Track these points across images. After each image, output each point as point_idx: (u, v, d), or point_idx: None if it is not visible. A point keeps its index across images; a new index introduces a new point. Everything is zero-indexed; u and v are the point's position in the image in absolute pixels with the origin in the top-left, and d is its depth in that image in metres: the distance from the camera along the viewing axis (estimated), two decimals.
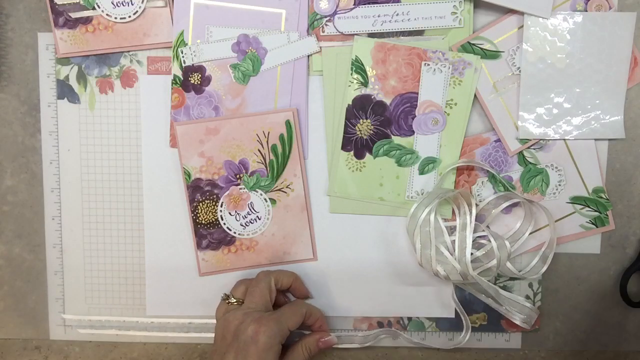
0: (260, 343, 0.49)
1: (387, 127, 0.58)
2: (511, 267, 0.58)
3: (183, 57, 0.57)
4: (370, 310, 0.61)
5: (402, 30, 0.57)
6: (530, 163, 0.59)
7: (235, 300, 0.54)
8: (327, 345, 0.57)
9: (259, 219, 0.59)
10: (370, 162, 0.59)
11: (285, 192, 0.59)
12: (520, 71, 0.57)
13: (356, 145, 0.58)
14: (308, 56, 0.58)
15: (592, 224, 0.59)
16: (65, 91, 0.59)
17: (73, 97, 0.59)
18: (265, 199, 0.59)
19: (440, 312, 0.61)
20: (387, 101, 0.58)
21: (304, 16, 0.57)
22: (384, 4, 0.57)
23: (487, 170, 0.59)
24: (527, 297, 0.61)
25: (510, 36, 0.57)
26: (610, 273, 0.61)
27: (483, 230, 0.58)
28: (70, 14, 0.57)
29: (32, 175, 0.61)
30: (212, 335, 0.61)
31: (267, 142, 0.58)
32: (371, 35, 0.57)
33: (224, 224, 0.59)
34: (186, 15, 0.57)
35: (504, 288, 0.60)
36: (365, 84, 0.57)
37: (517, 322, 0.59)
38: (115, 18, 0.57)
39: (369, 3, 0.57)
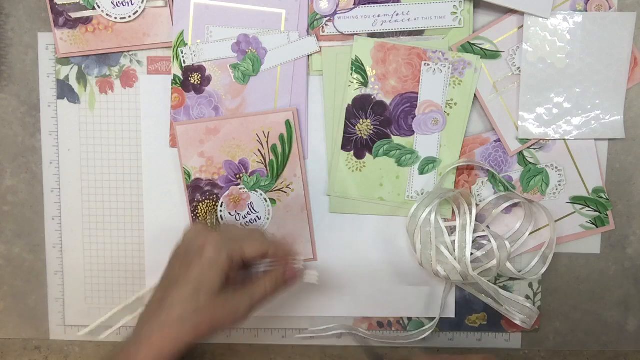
0: (205, 256, 0.45)
1: (387, 127, 0.58)
2: (511, 268, 0.58)
3: (183, 57, 0.57)
4: (370, 310, 0.61)
5: (402, 30, 0.57)
6: (530, 163, 0.59)
7: (213, 222, 0.51)
8: (292, 275, 0.50)
9: (259, 219, 0.59)
10: (370, 162, 0.59)
11: (285, 192, 0.59)
12: (520, 71, 0.57)
13: (356, 145, 0.58)
14: (308, 56, 0.58)
15: (592, 224, 0.59)
16: (65, 91, 0.59)
17: (73, 97, 0.59)
18: (265, 199, 0.59)
19: (440, 312, 0.61)
20: (387, 101, 0.58)
21: (304, 16, 0.57)
22: (384, 4, 0.57)
23: (487, 170, 0.59)
24: (527, 297, 0.61)
25: (510, 36, 0.57)
26: (610, 273, 0.61)
27: (483, 230, 0.58)
28: (70, 14, 0.57)
29: (32, 175, 0.61)
30: (212, 335, 0.62)
31: (267, 142, 0.58)
32: (371, 35, 0.57)
33: (224, 224, 0.59)
34: (186, 15, 0.57)
35: (504, 288, 0.60)
36: (365, 84, 0.57)
37: (517, 322, 0.59)
38: (115, 18, 0.57)
39: (369, 3, 0.57)
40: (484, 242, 0.58)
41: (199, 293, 0.45)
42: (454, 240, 0.57)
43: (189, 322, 0.44)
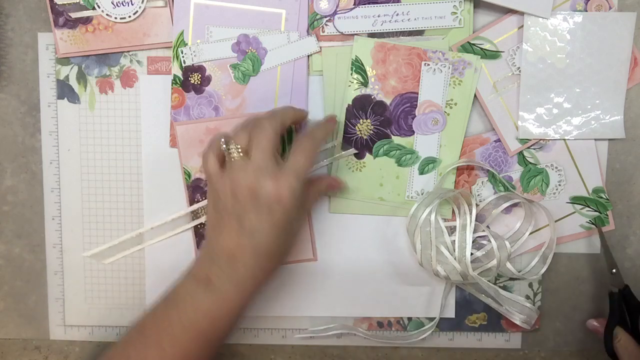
0: (287, 203, 0.47)
1: (387, 127, 0.58)
2: (511, 268, 0.58)
3: (183, 57, 0.57)
4: (370, 310, 0.61)
5: (402, 30, 0.57)
6: (530, 163, 0.59)
7: (241, 149, 0.48)
8: (337, 185, 0.57)
9: None
10: (370, 162, 0.59)
11: None
12: (520, 71, 0.57)
13: (356, 145, 0.58)
14: (308, 56, 0.58)
15: (592, 224, 0.59)
16: (65, 91, 0.59)
17: (73, 97, 0.59)
18: None
19: (440, 312, 0.61)
20: (387, 101, 0.58)
21: (304, 16, 0.57)
22: (384, 4, 0.57)
23: (487, 170, 0.59)
24: (527, 297, 0.61)
25: (510, 36, 0.57)
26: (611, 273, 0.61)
27: (483, 230, 0.58)
28: (70, 14, 0.57)
29: (32, 175, 0.61)
30: None
31: None
32: (371, 35, 0.57)
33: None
34: (186, 15, 0.57)
35: (504, 288, 0.60)
36: (365, 84, 0.57)
37: (517, 322, 0.59)
38: (115, 18, 0.57)
39: (369, 3, 0.57)
40: (484, 242, 0.58)
41: (292, 239, 0.51)
42: (454, 240, 0.57)
43: (287, 255, 0.52)
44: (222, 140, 0.48)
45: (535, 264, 0.59)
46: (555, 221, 0.59)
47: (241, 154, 0.48)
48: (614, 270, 0.57)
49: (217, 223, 0.49)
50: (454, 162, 0.58)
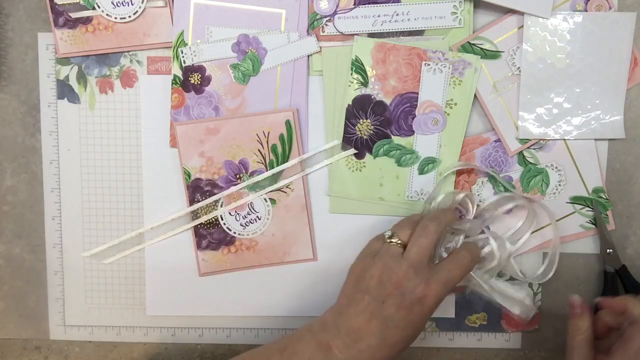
0: (427, 306, 0.49)
1: (387, 127, 0.58)
2: (514, 265, 0.58)
3: (183, 57, 0.57)
4: None
5: (402, 30, 0.57)
6: (530, 163, 0.59)
7: (400, 243, 0.51)
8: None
9: (259, 219, 0.59)
10: (370, 162, 0.59)
11: (285, 192, 0.59)
12: (520, 71, 0.57)
13: (356, 145, 0.58)
14: (308, 56, 0.58)
15: (592, 224, 0.59)
16: (65, 91, 0.59)
17: (73, 97, 0.59)
18: (265, 199, 0.59)
19: (440, 312, 0.61)
20: (387, 101, 0.58)
21: (304, 16, 0.57)
22: (384, 4, 0.57)
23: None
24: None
25: (510, 36, 0.57)
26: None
27: (483, 231, 0.58)
28: (70, 14, 0.57)
29: (32, 175, 0.61)
30: (213, 335, 0.62)
31: (267, 142, 0.58)
32: (371, 35, 0.57)
33: (224, 224, 0.59)
34: (186, 15, 0.57)
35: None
36: (365, 84, 0.57)
37: (516, 313, 0.59)
38: (115, 18, 0.57)
39: (369, 3, 0.57)
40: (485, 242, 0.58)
41: (416, 335, 0.51)
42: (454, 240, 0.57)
43: (405, 349, 0.51)
44: (389, 232, 0.52)
45: (543, 270, 0.59)
46: (556, 221, 0.59)
47: (399, 245, 0.51)
48: (609, 251, 0.58)
49: (354, 298, 0.51)
50: (454, 162, 0.58)
